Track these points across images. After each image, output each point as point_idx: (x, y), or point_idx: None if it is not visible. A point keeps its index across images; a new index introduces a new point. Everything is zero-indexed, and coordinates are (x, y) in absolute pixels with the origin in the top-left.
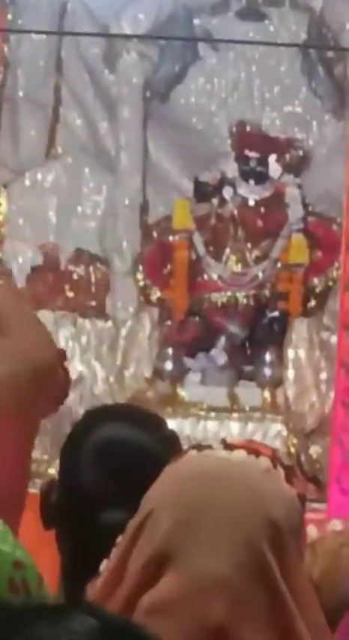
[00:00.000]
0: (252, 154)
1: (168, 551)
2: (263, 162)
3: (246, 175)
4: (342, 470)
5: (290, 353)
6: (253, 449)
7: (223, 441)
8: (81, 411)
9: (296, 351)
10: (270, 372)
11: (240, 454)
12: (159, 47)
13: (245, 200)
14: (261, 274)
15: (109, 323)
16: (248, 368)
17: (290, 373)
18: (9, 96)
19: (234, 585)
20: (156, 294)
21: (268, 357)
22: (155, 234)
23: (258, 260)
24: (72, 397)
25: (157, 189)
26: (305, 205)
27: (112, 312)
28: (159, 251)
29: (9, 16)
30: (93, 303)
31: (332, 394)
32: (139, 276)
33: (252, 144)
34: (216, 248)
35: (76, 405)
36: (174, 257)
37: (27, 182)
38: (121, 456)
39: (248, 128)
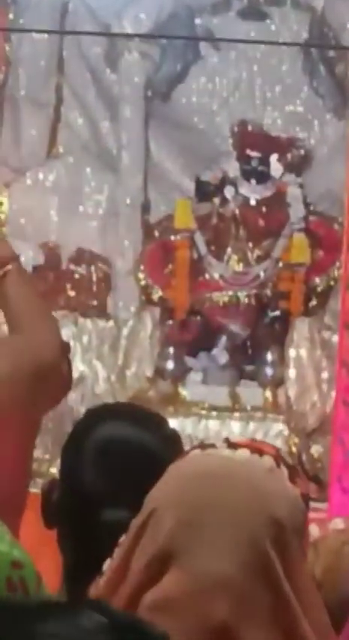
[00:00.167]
0: (254, 154)
1: (171, 550)
2: (264, 161)
3: (247, 175)
4: (343, 469)
5: (292, 352)
6: (257, 448)
7: (227, 440)
8: (82, 411)
9: (298, 350)
10: (272, 371)
11: (244, 453)
12: (160, 46)
13: (246, 199)
14: (262, 274)
15: (111, 322)
16: (249, 367)
17: (292, 372)
18: (10, 95)
19: (237, 584)
20: (157, 294)
21: (269, 356)
22: (156, 234)
23: (259, 259)
24: (73, 397)
25: (159, 188)
26: (306, 205)
27: (114, 311)
28: (161, 250)
29: (10, 16)
30: (95, 303)
31: (333, 393)
32: (141, 275)
33: (254, 143)
34: (218, 247)
35: (77, 405)
36: (175, 256)
37: (28, 181)
38: (123, 455)
39: (249, 127)
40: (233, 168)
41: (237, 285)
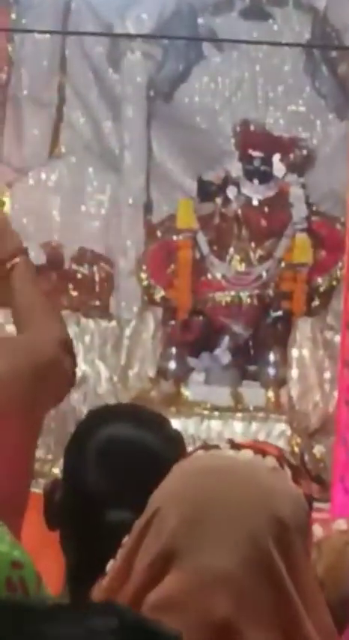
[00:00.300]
0: (256, 154)
1: (174, 549)
2: (267, 161)
3: (249, 175)
4: (346, 469)
5: (294, 352)
6: (260, 449)
7: (230, 441)
8: (84, 411)
9: (300, 350)
10: (274, 371)
11: (247, 454)
12: (163, 46)
13: (249, 199)
14: (264, 274)
15: (113, 322)
16: (252, 367)
17: (294, 373)
18: (13, 95)
19: (239, 581)
20: (159, 294)
21: (272, 356)
22: (159, 234)
23: (261, 259)
24: (75, 397)
25: (161, 188)
26: (309, 205)
27: (116, 311)
28: (163, 250)
29: (13, 16)
30: (97, 303)
31: (335, 393)
32: (143, 275)
33: (256, 143)
34: (220, 247)
35: (79, 405)
36: (177, 256)
37: (31, 181)
38: (126, 455)
39: (252, 127)
40: (235, 168)
41: (240, 285)
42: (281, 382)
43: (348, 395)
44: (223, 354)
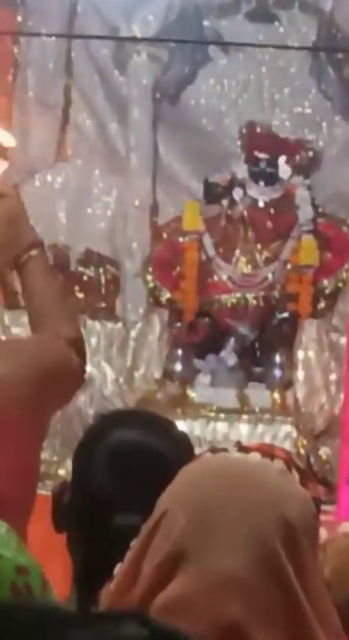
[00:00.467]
0: (262, 155)
1: (182, 550)
2: (273, 163)
3: (255, 177)
4: None
5: (300, 354)
6: (268, 451)
7: (238, 444)
8: (90, 412)
9: (306, 352)
10: (280, 373)
11: (255, 457)
12: (169, 48)
13: (255, 201)
14: (270, 276)
15: (119, 324)
16: (257, 369)
17: (300, 374)
18: (19, 97)
19: (248, 584)
20: (165, 296)
21: (278, 358)
22: (165, 236)
23: (267, 261)
24: (82, 398)
25: (167, 190)
26: (315, 206)
27: (122, 313)
28: (169, 252)
29: (19, 18)
30: (103, 305)
31: (341, 395)
32: (149, 277)
33: (262, 145)
34: (226, 249)
35: (85, 406)
36: (183, 258)
37: (37, 183)
38: (135, 459)
39: (258, 129)
40: (241, 170)
41: (246, 287)
42: (287, 384)
43: None
44: (229, 355)
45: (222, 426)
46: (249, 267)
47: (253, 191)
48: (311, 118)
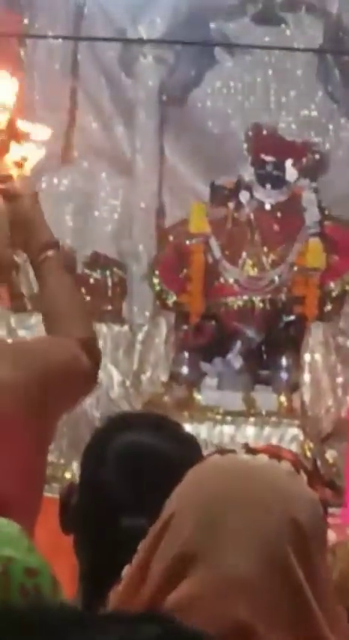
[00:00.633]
0: (269, 158)
1: (191, 552)
2: (279, 166)
3: (262, 179)
4: None
5: (307, 357)
6: (275, 453)
7: (245, 445)
8: (97, 415)
9: (313, 355)
10: (287, 376)
11: (263, 458)
12: (175, 51)
13: (261, 204)
14: (277, 278)
15: (126, 327)
16: (264, 372)
17: (307, 377)
18: (25, 99)
19: (257, 585)
20: (172, 299)
21: (284, 361)
22: (171, 238)
23: (274, 264)
24: (88, 401)
25: (173, 192)
26: (321, 209)
27: (129, 316)
28: (176, 255)
29: (25, 21)
30: (110, 308)
31: (348, 398)
32: (155, 280)
33: (268, 148)
34: (233, 252)
35: (92, 409)
36: (190, 261)
37: (43, 186)
38: (143, 462)
39: (264, 132)
40: (248, 173)
41: (252, 289)
42: (293, 387)
43: None
44: (235, 358)
45: (228, 429)
46: (256, 269)
47: (260, 194)
48: (318, 121)
